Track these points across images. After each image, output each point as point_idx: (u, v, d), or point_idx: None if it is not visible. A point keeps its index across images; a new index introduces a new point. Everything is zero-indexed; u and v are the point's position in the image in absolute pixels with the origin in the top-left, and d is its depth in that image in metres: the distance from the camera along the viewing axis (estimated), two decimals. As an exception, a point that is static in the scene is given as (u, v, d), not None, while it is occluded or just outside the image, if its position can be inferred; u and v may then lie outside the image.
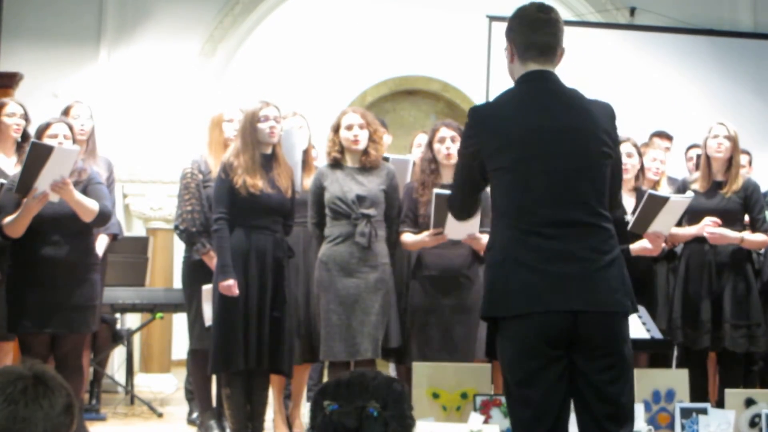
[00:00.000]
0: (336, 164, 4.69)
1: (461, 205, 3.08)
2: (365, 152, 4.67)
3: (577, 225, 2.72)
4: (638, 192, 4.97)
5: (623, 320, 2.76)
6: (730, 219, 4.92)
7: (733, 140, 4.98)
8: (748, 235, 4.89)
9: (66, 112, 5.13)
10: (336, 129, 4.70)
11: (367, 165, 4.67)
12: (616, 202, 2.98)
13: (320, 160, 5.22)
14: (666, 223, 4.74)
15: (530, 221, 2.72)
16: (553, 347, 2.69)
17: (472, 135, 2.86)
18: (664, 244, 4.94)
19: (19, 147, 4.87)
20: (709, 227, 4.86)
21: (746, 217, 4.99)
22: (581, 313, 2.68)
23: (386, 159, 4.94)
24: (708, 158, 5.03)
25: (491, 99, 2.90)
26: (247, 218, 4.45)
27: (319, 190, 4.66)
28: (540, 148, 2.74)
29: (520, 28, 2.86)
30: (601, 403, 2.72)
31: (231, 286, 4.36)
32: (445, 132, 4.67)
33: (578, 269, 2.69)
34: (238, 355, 4.38)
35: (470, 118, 2.87)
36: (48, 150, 4.25)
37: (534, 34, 2.83)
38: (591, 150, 2.76)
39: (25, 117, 4.94)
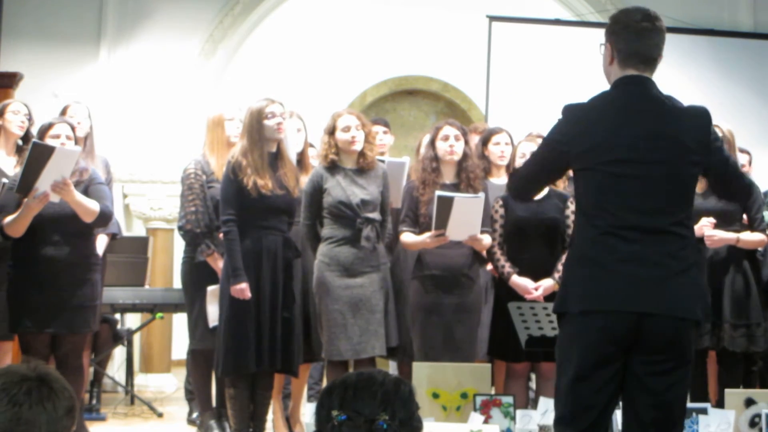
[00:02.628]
0: (333, 166, 4.64)
1: (524, 184, 3.10)
2: (361, 153, 4.65)
3: (656, 231, 2.74)
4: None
5: (690, 328, 2.75)
6: (728, 219, 4.91)
7: (727, 141, 4.96)
8: (744, 235, 4.88)
9: (63, 112, 5.12)
10: (331, 131, 4.65)
11: (364, 167, 4.65)
12: (737, 196, 3.21)
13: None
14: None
15: (610, 223, 2.75)
16: (614, 347, 2.70)
17: (562, 132, 2.88)
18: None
19: (20, 148, 4.87)
20: (707, 228, 4.85)
21: (744, 217, 4.98)
22: (648, 316, 2.68)
23: (381, 161, 4.92)
24: None
25: (586, 99, 2.91)
26: (257, 219, 4.42)
27: (317, 192, 4.60)
28: (628, 152, 2.76)
29: (624, 34, 2.86)
30: (652, 409, 2.72)
31: (244, 289, 4.34)
32: (449, 130, 4.67)
33: (651, 273, 2.70)
34: (250, 358, 4.35)
35: (563, 115, 2.88)
36: (49, 150, 4.25)
37: (638, 44, 2.84)
38: (678, 158, 2.78)
39: (29, 117, 4.94)
